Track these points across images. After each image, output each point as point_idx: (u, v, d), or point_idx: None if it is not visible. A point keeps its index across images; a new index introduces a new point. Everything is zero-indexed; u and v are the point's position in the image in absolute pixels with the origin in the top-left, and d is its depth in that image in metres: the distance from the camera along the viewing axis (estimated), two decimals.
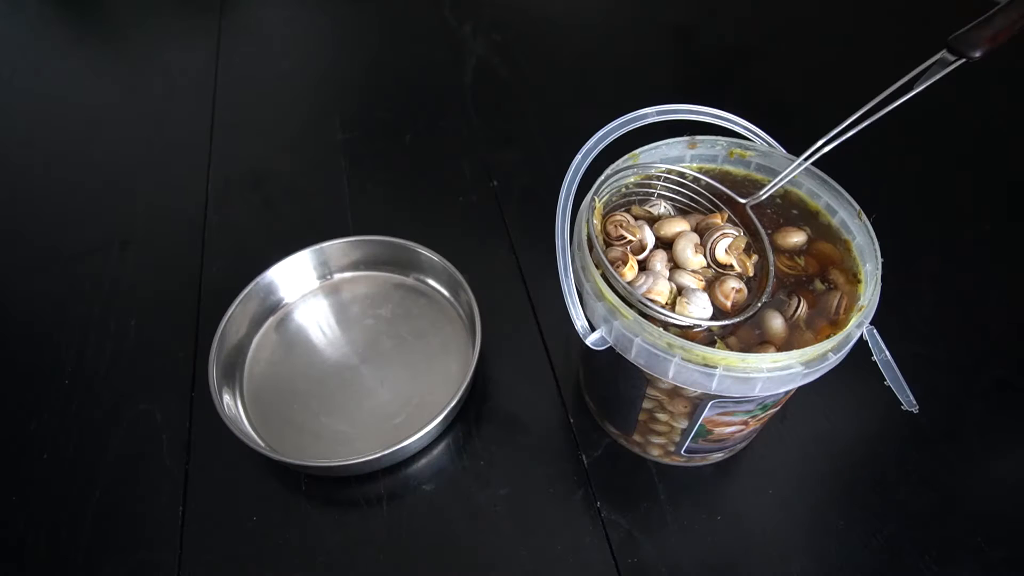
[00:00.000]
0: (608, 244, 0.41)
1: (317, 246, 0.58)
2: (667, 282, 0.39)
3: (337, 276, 0.60)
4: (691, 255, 0.40)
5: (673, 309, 0.38)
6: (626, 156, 0.43)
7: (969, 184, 0.69)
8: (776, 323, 0.38)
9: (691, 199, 0.43)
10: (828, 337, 0.36)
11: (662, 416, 0.43)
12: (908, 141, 0.72)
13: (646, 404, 0.43)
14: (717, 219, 0.41)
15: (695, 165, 0.46)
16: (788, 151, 0.44)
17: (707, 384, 0.35)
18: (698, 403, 0.40)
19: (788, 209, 0.43)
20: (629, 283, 0.38)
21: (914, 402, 0.36)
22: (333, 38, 0.90)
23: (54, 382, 0.54)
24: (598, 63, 0.84)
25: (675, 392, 0.40)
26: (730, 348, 0.37)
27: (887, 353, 0.36)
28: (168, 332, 0.57)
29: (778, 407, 0.43)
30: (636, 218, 0.42)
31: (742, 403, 0.39)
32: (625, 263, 0.39)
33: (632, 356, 0.37)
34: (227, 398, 0.51)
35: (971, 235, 0.64)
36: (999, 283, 0.60)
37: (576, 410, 0.52)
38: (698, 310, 0.37)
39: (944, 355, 0.55)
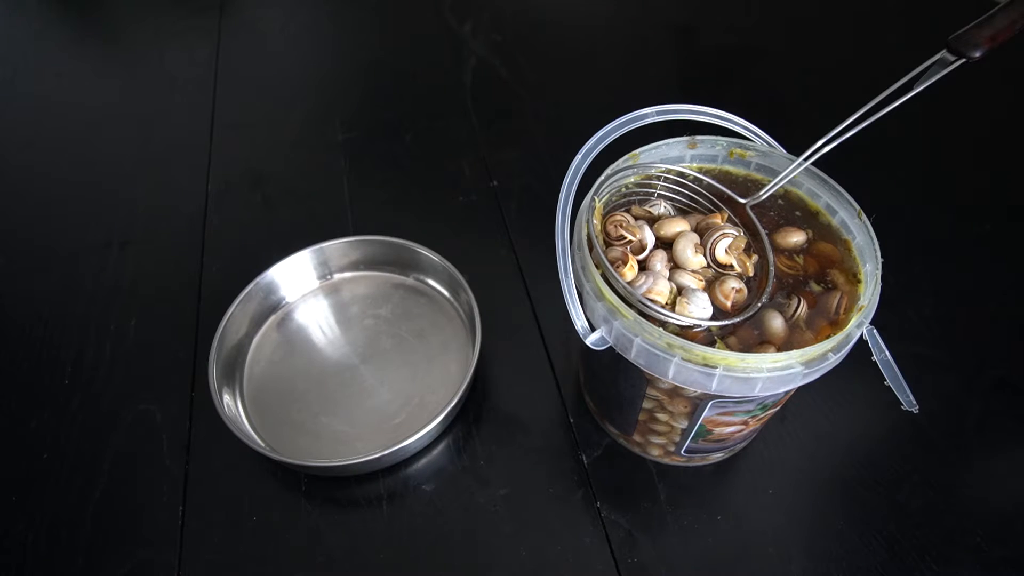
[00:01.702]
0: (608, 244, 0.41)
1: (317, 246, 0.58)
2: (667, 282, 0.39)
3: (337, 276, 0.60)
4: (691, 255, 0.40)
5: (673, 309, 0.38)
6: (626, 156, 0.43)
7: (969, 184, 0.69)
8: (776, 323, 0.37)
9: (691, 199, 0.43)
10: (828, 337, 0.36)
11: (662, 416, 0.43)
12: (908, 141, 0.72)
13: (646, 404, 0.43)
14: (717, 219, 0.41)
15: (695, 165, 0.46)
16: (788, 151, 0.44)
17: (707, 384, 0.35)
18: (698, 403, 0.40)
19: (790, 210, 0.43)
20: (629, 283, 0.38)
21: (914, 402, 0.36)
22: (333, 38, 0.90)
23: (54, 382, 0.54)
24: (598, 63, 0.84)
25: (675, 392, 0.40)
26: (730, 348, 0.37)
27: (887, 353, 0.36)
28: (168, 332, 0.57)
29: (778, 407, 0.43)
30: (636, 218, 0.42)
31: (742, 403, 0.39)
32: (625, 263, 0.39)
33: (632, 356, 0.37)
34: (227, 398, 0.51)
35: (971, 235, 0.64)
36: (999, 283, 0.60)
37: (576, 410, 0.52)
38: (698, 310, 0.37)
39: (944, 355, 0.55)
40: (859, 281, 0.39)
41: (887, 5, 0.90)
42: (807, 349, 0.34)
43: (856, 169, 0.45)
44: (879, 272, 0.38)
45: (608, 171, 0.42)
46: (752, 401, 0.39)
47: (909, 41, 0.82)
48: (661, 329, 0.35)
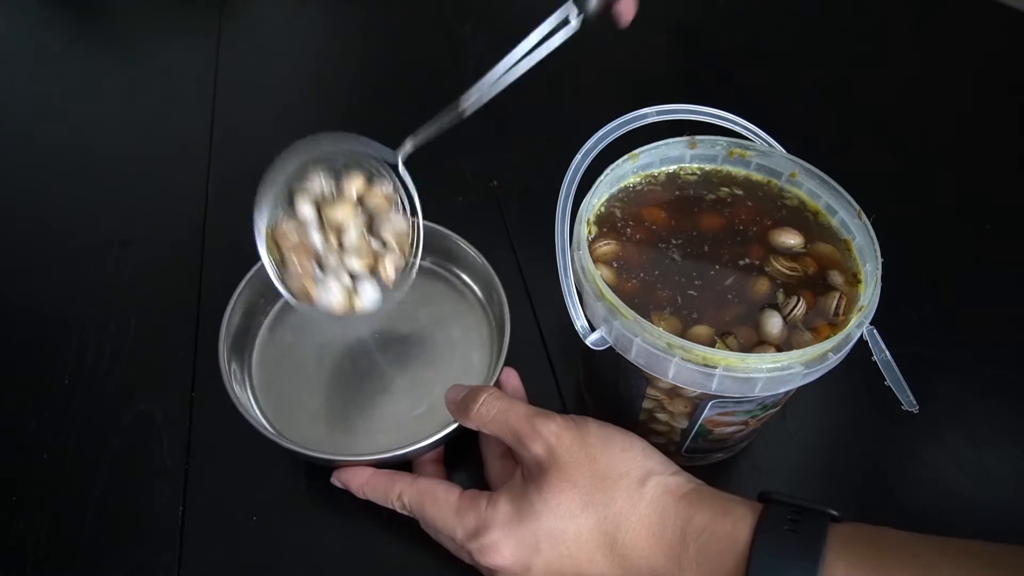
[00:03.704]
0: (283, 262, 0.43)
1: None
2: (338, 283, 0.42)
3: None
4: (356, 240, 0.43)
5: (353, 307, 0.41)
6: (626, 156, 0.43)
7: (969, 183, 0.69)
8: (774, 323, 0.38)
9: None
10: (828, 337, 0.36)
11: (662, 416, 0.43)
12: (908, 140, 0.72)
13: (646, 404, 0.43)
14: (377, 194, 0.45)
15: (695, 165, 0.46)
16: (788, 151, 0.44)
17: (707, 384, 0.35)
18: (698, 403, 0.40)
19: (789, 210, 0.43)
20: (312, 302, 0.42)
21: (914, 402, 0.36)
22: (333, 38, 0.90)
23: (54, 382, 0.54)
24: (598, 63, 0.84)
25: (675, 392, 0.40)
26: (730, 348, 0.37)
27: (887, 353, 0.36)
28: (168, 332, 0.57)
29: (778, 407, 0.43)
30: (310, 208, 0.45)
31: (742, 403, 0.39)
32: (308, 276, 0.41)
33: (632, 356, 0.37)
34: (235, 376, 0.49)
35: (971, 235, 0.64)
36: (999, 283, 0.60)
37: (576, 410, 0.52)
38: (369, 301, 0.41)
39: (944, 355, 0.55)
40: (859, 281, 0.39)
41: (888, 4, 0.90)
42: (807, 349, 0.34)
43: (856, 169, 0.45)
44: (879, 272, 0.38)
45: (607, 171, 0.42)
46: (752, 401, 0.39)
47: (910, 40, 0.82)
48: (660, 329, 0.35)
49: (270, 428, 0.48)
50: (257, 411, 0.50)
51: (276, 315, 0.56)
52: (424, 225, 0.58)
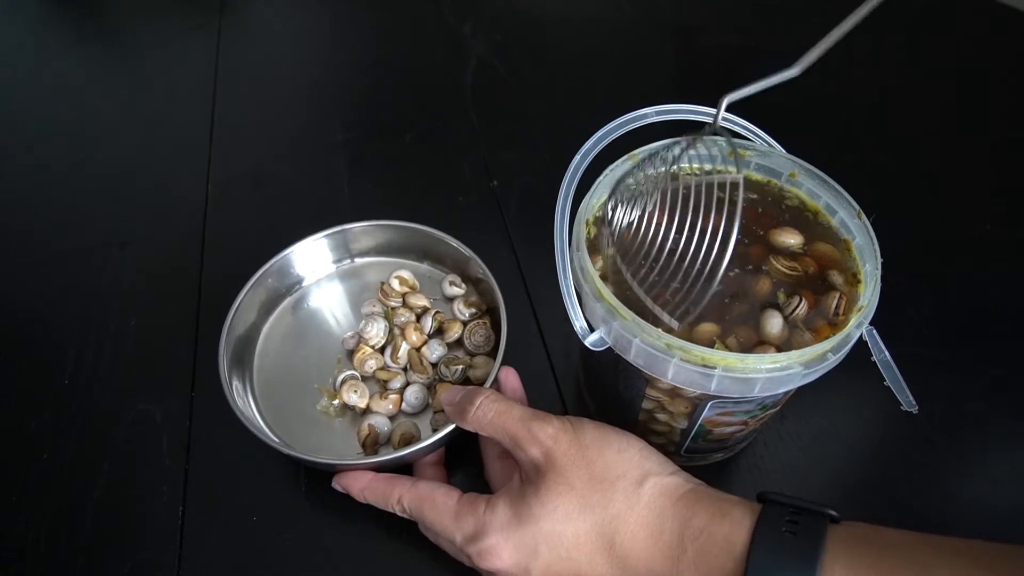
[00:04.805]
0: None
1: (338, 228, 0.57)
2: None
3: (358, 261, 0.60)
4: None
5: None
6: (626, 156, 0.43)
7: (970, 184, 0.69)
8: (775, 323, 0.37)
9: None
10: (828, 337, 0.35)
11: (662, 416, 0.43)
12: (908, 140, 0.72)
13: (646, 404, 0.43)
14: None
15: (695, 165, 0.46)
16: (788, 151, 0.44)
17: (706, 385, 0.35)
18: (698, 403, 0.40)
19: (789, 210, 0.43)
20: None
21: (914, 402, 0.36)
22: (333, 38, 0.90)
23: (54, 382, 0.54)
24: (598, 63, 0.84)
25: (674, 392, 0.40)
26: (729, 348, 0.37)
27: (887, 353, 0.36)
28: (168, 332, 0.57)
29: (778, 407, 0.43)
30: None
31: (741, 403, 0.39)
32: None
33: (631, 357, 0.37)
34: (237, 389, 0.49)
35: (971, 235, 0.64)
36: (999, 283, 0.60)
37: (576, 410, 0.52)
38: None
39: (944, 355, 0.55)
40: (859, 281, 0.39)
41: (888, 4, 0.90)
42: (806, 349, 0.34)
43: (856, 169, 0.45)
44: (879, 272, 0.38)
45: (607, 171, 0.42)
46: (751, 401, 0.39)
47: (911, 40, 0.82)
48: (659, 330, 0.35)
49: (271, 434, 0.48)
50: (258, 416, 0.50)
51: (275, 321, 0.56)
52: (419, 227, 0.58)
